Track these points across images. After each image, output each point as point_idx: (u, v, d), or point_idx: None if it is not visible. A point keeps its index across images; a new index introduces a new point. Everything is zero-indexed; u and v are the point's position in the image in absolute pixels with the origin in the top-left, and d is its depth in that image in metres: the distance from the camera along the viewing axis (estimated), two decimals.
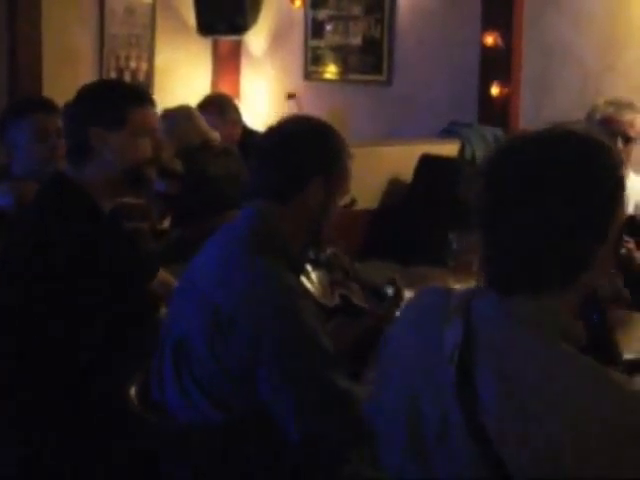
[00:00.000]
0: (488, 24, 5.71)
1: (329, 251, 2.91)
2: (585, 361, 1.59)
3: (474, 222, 1.69)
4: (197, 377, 2.33)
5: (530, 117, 5.46)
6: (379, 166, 5.32)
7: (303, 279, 2.58)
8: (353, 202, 2.57)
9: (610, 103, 4.19)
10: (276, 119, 2.53)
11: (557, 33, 5.44)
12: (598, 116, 4.11)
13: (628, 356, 2.46)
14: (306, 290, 2.38)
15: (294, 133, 2.44)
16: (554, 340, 1.61)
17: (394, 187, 5.32)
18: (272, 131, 2.49)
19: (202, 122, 5.37)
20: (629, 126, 4.09)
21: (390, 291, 3.03)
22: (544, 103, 5.40)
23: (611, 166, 1.65)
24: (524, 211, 1.61)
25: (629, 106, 4.17)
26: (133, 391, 2.45)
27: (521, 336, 1.61)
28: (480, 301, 1.69)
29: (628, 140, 4.08)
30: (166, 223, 4.92)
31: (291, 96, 7.30)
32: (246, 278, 2.28)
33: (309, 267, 2.67)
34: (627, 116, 4.11)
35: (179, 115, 5.36)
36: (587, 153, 1.64)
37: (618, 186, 1.66)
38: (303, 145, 2.41)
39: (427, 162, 5.20)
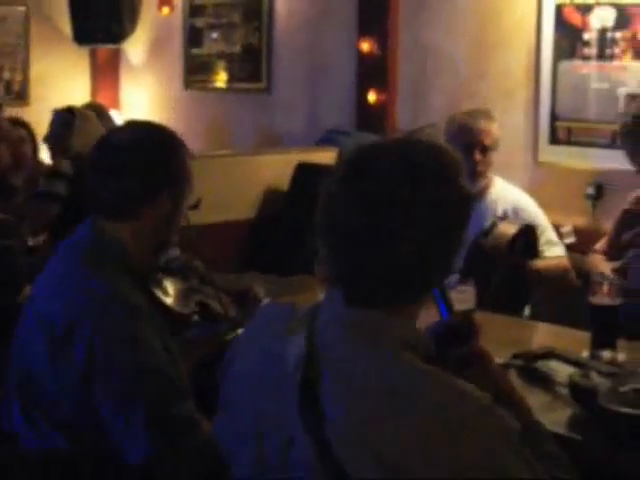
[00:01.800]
0: (363, 31, 5.71)
1: (183, 258, 2.86)
2: (429, 370, 1.58)
3: (320, 237, 1.66)
4: (42, 402, 2.25)
5: (407, 123, 5.46)
6: (256, 176, 5.28)
7: (155, 289, 2.52)
8: (199, 202, 2.53)
9: (465, 113, 4.23)
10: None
11: (431, 39, 5.45)
12: (455, 126, 4.12)
13: (498, 361, 2.44)
14: (147, 305, 2.30)
15: (132, 149, 2.33)
16: (397, 351, 1.58)
17: (271, 197, 5.28)
18: (108, 145, 2.38)
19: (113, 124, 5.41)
20: (485, 135, 4.11)
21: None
22: (420, 109, 5.41)
23: (455, 182, 1.65)
24: (367, 227, 1.59)
25: (484, 115, 4.20)
26: None
27: (364, 349, 1.59)
28: (323, 315, 1.66)
29: (485, 149, 4.08)
30: (42, 238, 4.82)
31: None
32: (81, 293, 2.22)
33: (161, 276, 2.60)
34: (482, 125, 4.12)
35: (90, 113, 5.51)
36: (436, 169, 1.63)
37: (464, 202, 1.67)
38: (143, 162, 2.32)
39: (303, 171, 5.16)
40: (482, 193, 4.13)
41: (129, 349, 2.15)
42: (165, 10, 7.08)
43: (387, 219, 1.58)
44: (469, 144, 4.01)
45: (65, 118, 5.42)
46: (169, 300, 2.54)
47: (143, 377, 2.15)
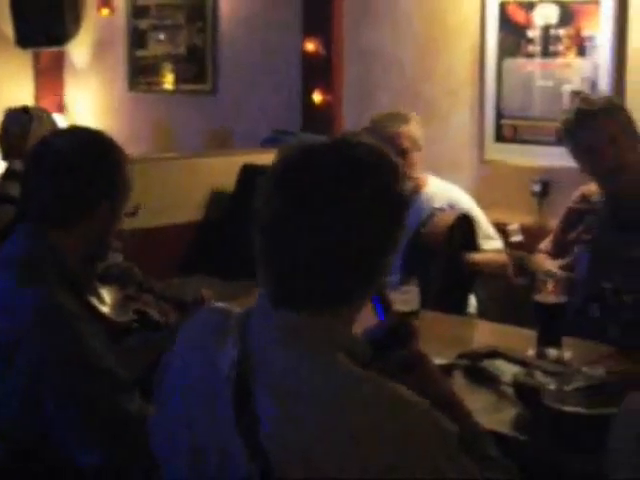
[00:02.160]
0: (308, 31, 5.67)
1: (123, 265, 2.81)
2: (365, 375, 1.55)
3: (256, 237, 1.61)
4: None
5: (353, 123, 5.42)
6: (201, 178, 5.24)
7: (91, 298, 2.47)
8: (137, 209, 2.50)
9: (381, 117, 4.20)
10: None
11: (377, 39, 5.42)
12: (371, 132, 4.08)
13: (440, 361, 2.42)
14: (84, 313, 2.28)
15: (73, 155, 2.33)
16: (331, 355, 1.56)
17: (217, 199, 5.23)
18: (49, 148, 2.37)
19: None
20: (402, 138, 4.09)
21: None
22: (366, 109, 5.36)
23: (394, 181, 1.65)
24: (303, 225, 1.56)
25: (398, 118, 4.17)
26: None
27: (296, 353, 1.56)
28: (257, 319, 1.63)
29: (403, 152, 4.04)
30: None
31: None
32: (19, 300, 2.19)
33: (98, 284, 2.55)
34: (397, 129, 4.10)
35: (44, 114, 5.51)
36: (375, 167, 1.63)
37: (403, 201, 1.66)
38: (84, 169, 2.32)
39: (248, 172, 5.12)
40: (414, 193, 4.10)
41: (72, 349, 2.14)
42: (104, 11, 7.00)
43: (326, 217, 1.55)
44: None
45: (21, 118, 5.37)
46: (105, 309, 2.50)
47: (90, 375, 2.14)
